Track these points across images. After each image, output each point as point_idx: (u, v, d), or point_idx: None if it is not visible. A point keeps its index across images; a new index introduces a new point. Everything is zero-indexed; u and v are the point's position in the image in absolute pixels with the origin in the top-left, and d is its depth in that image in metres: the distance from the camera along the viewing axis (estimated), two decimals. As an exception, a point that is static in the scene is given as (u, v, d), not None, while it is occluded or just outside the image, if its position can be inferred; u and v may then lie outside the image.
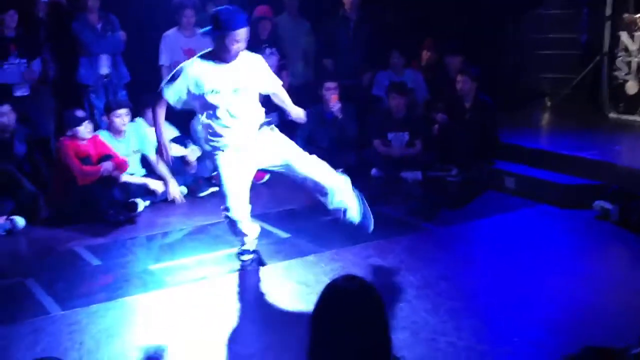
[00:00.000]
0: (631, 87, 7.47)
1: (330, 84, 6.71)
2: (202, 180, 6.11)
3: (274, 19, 7.18)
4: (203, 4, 7.28)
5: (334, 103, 6.61)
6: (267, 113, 4.28)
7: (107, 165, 5.41)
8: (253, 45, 6.83)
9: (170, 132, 6.33)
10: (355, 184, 6.26)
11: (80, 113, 5.58)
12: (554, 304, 3.77)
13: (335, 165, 6.46)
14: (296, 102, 7.01)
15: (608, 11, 7.71)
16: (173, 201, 5.78)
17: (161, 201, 5.76)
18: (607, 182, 5.37)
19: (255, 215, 5.35)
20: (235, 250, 4.43)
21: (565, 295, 3.90)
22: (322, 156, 6.56)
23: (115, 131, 5.78)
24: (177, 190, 5.81)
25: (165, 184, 5.78)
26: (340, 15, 7.34)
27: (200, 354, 3.29)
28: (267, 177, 6.43)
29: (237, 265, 4.38)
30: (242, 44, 3.96)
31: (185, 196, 5.89)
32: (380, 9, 7.78)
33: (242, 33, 3.91)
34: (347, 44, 7.26)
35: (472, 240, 4.95)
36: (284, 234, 4.99)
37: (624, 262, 4.51)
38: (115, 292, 4.01)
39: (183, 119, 6.55)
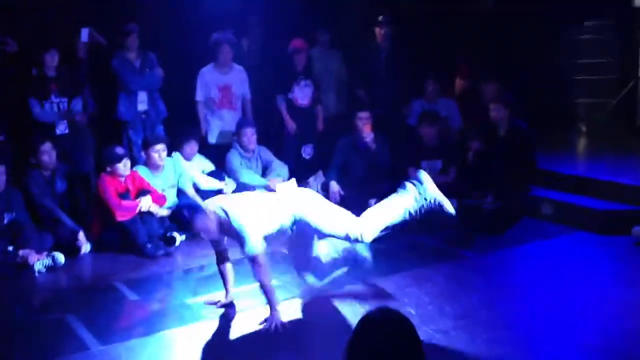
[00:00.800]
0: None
1: (363, 114, 6.74)
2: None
3: (308, 51, 7.28)
4: (238, 39, 7.43)
5: (367, 132, 6.64)
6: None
7: (146, 201, 5.51)
8: (289, 77, 7.02)
9: (206, 165, 6.45)
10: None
11: (119, 150, 5.71)
12: (593, 332, 3.71)
13: (369, 194, 6.54)
14: (330, 132, 7.16)
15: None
16: (209, 234, 5.81)
17: (198, 235, 5.77)
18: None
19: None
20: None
21: (606, 323, 3.83)
22: (356, 185, 6.66)
23: (153, 166, 5.89)
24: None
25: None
26: (372, 46, 7.41)
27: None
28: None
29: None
30: None
31: (221, 229, 5.92)
32: (414, 37, 7.83)
33: None
34: (379, 74, 7.31)
35: (510, 268, 4.90)
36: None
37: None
38: (153, 327, 4.04)
39: (218, 152, 6.68)
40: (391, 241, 5.41)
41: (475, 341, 3.63)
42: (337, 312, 4.10)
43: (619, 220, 5.35)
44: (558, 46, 8.69)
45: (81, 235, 5.50)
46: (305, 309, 4.25)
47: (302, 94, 7.09)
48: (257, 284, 4.08)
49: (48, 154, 5.70)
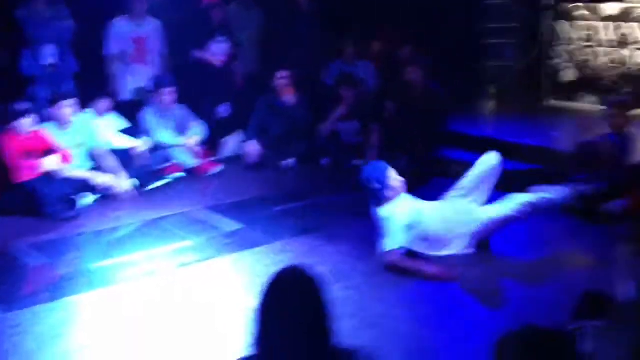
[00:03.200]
0: (568, 75, 7.73)
1: (282, 74, 6.73)
2: (151, 173, 6.03)
3: (225, 6, 7.13)
4: None
5: (288, 93, 6.63)
6: None
7: (51, 159, 5.30)
8: (205, 34, 6.86)
9: (118, 123, 6.28)
10: (307, 173, 6.39)
11: (21, 106, 5.42)
12: (494, 286, 3.92)
13: (286, 154, 6.58)
14: (249, 91, 7.10)
15: (547, 1, 7.94)
16: (122, 195, 5.66)
17: (109, 195, 5.62)
18: (546, 167, 5.56)
19: (207, 207, 5.41)
20: (185, 244, 4.44)
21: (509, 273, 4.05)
22: (274, 146, 6.67)
23: (61, 123, 5.67)
24: (125, 184, 5.73)
25: (114, 177, 5.70)
26: (292, 6, 7.35)
27: (149, 352, 3.28)
28: (218, 168, 6.44)
29: (186, 259, 4.40)
30: None
31: (134, 189, 5.78)
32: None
33: None
34: (299, 34, 7.28)
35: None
36: (235, 226, 4.99)
37: (560, 243, 4.66)
38: (60, 292, 3.92)
39: (132, 109, 6.50)
40: (305, 201, 5.53)
41: (386, 297, 3.78)
42: (250, 272, 4.14)
43: (522, 179, 5.60)
44: (470, 11, 8.88)
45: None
46: (220, 268, 4.27)
47: (218, 51, 6.97)
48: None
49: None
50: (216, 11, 6.95)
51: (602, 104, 7.31)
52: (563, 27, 7.72)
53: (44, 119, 5.80)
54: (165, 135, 6.26)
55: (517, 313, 3.52)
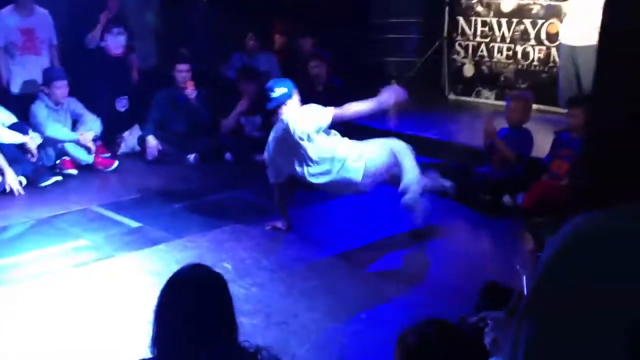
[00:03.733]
0: (468, 70, 7.97)
1: (182, 67, 6.56)
2: (43, 170, 5.76)
3: None
4: None
5: (190, 89, 6.46)
6: None
7: None
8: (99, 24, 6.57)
9: (6, 117, 5.91)
10: (209, 168, 6.26)
11: None
12: (396, 280, 3.97)
13: (188, 149, 6.42)
14: (147, 84, 6.87)
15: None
16: (11, 193, 5.35)
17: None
18: (447, 160, 5.70)
19: (104, 204, 5.20)
20: (81, 243, 4.25)
21: (408, 271, 4.12)
22: (174, 141, 6.49)
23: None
24: (15, 181, 5.42)
25: (2, 174, 5.37)
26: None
27: (44, 355, 3.12)
28: (115, 164, 6.20)
29: (83, 258, 4.20)
30: None
31: (24, 187, 5.49)
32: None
33: None
34: (197, 26, 7.12)
35: (324, 220, 5.07)
36: (134, 223, 4.82)
37: (461, 237, 4.79)
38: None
39: (21, 103, 6.15)
40: (207, 197, 5.42)
41: (292, 292, 3.74)
42: (150, 271, 4.00)
43: (423, 172, 5.71)
44: (370, 5, 9.02)
45: None
46: (119, 268, 4.10)
47: (114, 43, 6.71)
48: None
49: None
50: (111, 1, 6.69)
51: (499, 99, 7.61)
52: (462, 23, 7.95)
53: None
54: (57, 130, 5.96)
55: (419, 306, 3.56)
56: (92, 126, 6.16)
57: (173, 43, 7.24)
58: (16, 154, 5.64)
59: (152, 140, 6.43)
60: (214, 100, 6.82)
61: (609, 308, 0.89)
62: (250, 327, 3.14)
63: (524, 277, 2.03)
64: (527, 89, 7.34)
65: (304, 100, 6.66)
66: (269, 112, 4.66)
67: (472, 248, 4.60)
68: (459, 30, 8.01)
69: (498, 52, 7.76)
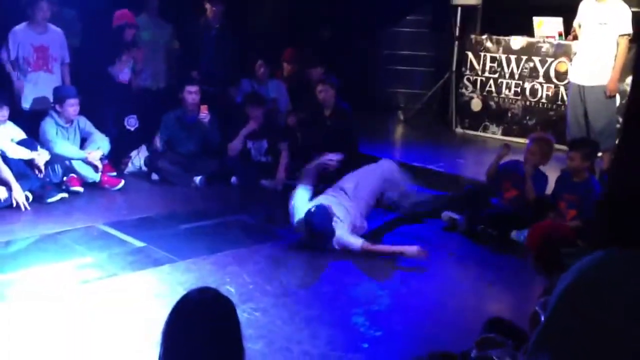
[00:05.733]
0: (476, 104, 8.03)
1: (192, 88, 6.59)
2: (50, 186, 5.77)
3: (136, 23, 6.94)
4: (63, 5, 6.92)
5: (204, 113, 6.48)
6: None
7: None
8: (116, 53, 6.64)
9: (16, 132, 5.95)
10: (215, 191, 6.27)
11: None
12: (403, 311, 3.95)
13: (196, 172, 6.43)
14: (154, 105, 6.91)
15: (456, 32, 8.25)
16: (17, 208, 5.36)
17: (4, 208, 5.33)
18: (455, 194, 5.70)
19: (110, 222, 5.20)
20: (85, 260, 4.23)
21: (415, 302, 4.09)
22: (182, 162, 6.51)
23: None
24: (21, 196, 5.43)
25: (9, 189, 5.38)
26: (202, 22, 7.26)
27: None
28: (121, 183, 6.21)
29: (87, 275, 4.19)
30: None
31: (31, 202, 5.50)
32: (244, 18, 7.80)
33: None
34: (209, 51, 7.19)
35: (328, 249, 5.05)
36: (139, 243, 4.81)
37: (466, 271, 4.78)
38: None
39: (32, 119, 6.19)
40: (212, 220, 5.42)
41: (294, 319, 3.72)
42: (153, 292, 3.98)
43: (430, 205, 5.72)
44: (379, 37, 9.12)
45: None
46: (122, 287, 4.09)
47: (123, 70, 6.77)
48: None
49: None
50: (128, 30, 6.78)
51: (506, 135, 7.64)
52: (472, 57, 8.02)
53: None
54: (65, 148, 5.98)
55: (422, 338, 3.54)
56: (100, 145, 6.19)
57: (184, 66, 7.30)
58: (24, 170, 5.65)
59: (160, 161, 6.48)
60: (222, 123, 6.85)
61: (614, 343, 0.93)
62: (253, 353, 3.11)
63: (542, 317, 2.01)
64: (534, 126, 7.38)
65: (313, 125, 6.74)
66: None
67: (476, 283, 4.57)
68: (468, 65, 8.08)
69: (506, 88, 7.81)
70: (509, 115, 7.81)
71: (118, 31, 6.70)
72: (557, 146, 6.54)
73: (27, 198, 5.47)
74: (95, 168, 6.08)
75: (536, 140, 5.39)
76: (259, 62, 7.14)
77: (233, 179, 6.53)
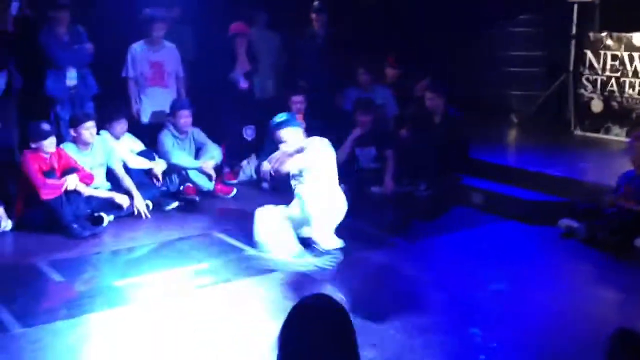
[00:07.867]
0: (596, 105, 7.61)
1: (297, 98, 6.71)
2: (168, 195, 6.04)
3: (249, 35, 7.16)
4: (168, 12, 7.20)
5: (304, 119, 6.57)
6: None
7: (72, 179, 5.30)
8: (229, 62, 6.88)
9: (135, 144, 6.25)
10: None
11: (45, 126, 5.41)
12: (521, 321, 3.79)
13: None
14: (265, 115, 7.06)
15: (573, 29, 7.87)
16: (139, 215, 5.64)
17: (126, 215, 5.61)
18: (573, 199, 5.42)
19: (224, 229, 5.34)
20: (201, 266, 4.37)
21: (532, 312, 3.92)
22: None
23: (81, 144, 5.65)
24: (142, 205, 5.70)
25: (131, 198, 5.67)
26: (309, 32, 7.37)
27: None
28: (234, 191, 6.38)
29: (203, 281, 4.32)
30: None
31: (150, 210, 5.76)
32: (348, 25, 7.84)
33: None
34: (315, 60, 7.28)
35: (440, 255, 4.95)
36: (252, 250, 4.89)
37: (589, 280, 4.53)
38: (79, 309, 3.88)
39: (150, 132, 6.49)
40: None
41: (407, 327, 3.65)
42: (266, 297, 4.04)
43: (546, 211, 5.48)
44: (492, 38, 8.86)
45: (1, 212, 5.26)
46: (236, 291, 4.18)
47: (242, 76, 7.01)
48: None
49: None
50: (240, 40, 6.99)
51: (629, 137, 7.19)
52: (591, 56, 7.63)
53: (66, 140, 5.81)
54: (181, 158, 6.22)
55: (545, 350, 3.38)
56: (214, 155, 6.39)
57: (291, 75, 7.43)
58: (143, 179, 5.95)
59: (266, 165, 6.58)
60: (328, 131, 6.88)
61: None
62: (366, 361, 3.08)
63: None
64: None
65: (423, 133, 6.64)
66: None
67: (599, 292, 4.32)
68: (587, 64, 7.68)
69: (630, 87, 7.35)
70: (634, 116, 7.34)
71: (231, 40, 6.93)
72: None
73: (147, 206, 5.74)
74: (209, 177, 6.27)
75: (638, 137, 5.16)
76: (361, 69, 7.15)
77: (342, 186, 6.52)
